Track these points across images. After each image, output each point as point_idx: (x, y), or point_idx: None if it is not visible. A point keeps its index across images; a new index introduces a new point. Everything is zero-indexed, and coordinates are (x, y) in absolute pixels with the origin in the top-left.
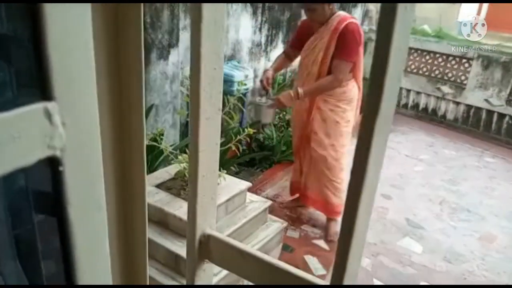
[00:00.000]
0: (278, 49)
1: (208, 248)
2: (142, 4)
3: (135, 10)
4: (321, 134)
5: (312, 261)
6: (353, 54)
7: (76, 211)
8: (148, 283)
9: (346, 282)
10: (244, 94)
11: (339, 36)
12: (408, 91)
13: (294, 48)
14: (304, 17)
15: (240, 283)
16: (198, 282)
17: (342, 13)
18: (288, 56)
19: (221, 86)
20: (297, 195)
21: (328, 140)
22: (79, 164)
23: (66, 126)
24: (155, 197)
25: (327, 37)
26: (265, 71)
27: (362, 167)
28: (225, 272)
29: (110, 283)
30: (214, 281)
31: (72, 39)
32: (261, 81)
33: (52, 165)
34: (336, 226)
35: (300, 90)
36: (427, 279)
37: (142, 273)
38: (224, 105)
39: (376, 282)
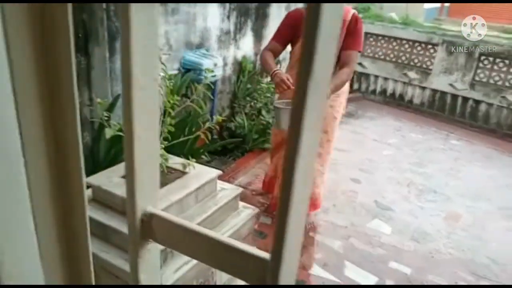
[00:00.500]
0: (247, 37)
1: (151, 228)
2: (70, 4)
3: (62, 9)
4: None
5: None
6: (362, 44)
7: None
8: (93, 283)
9: (286, 257)
10: (214, 83)
11: (349, 27)
12: (376, 77)
13: (282, 44)
14: (289, 7)
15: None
16: (142, 263)
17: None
18: (274, 53)
19: (157, 54)
20: (271, 193)
21: (326, 136)
22: None
23: None
24: (121, 188)
25: None
26: (275, 74)
27: (297, 132)
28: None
29: (35, 244)
30: (184, 270)
31: None
32: (278, 84)
33: None
34: (312, 217)
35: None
36: (396, 259)
37: (87, 273)
38: (192, 93)
39: (348, 264)
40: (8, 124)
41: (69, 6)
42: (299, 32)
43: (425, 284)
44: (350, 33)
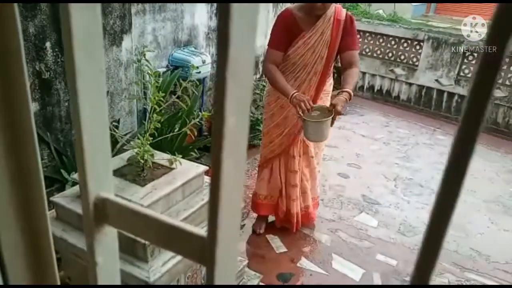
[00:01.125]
0: None
1: (105, 212)
2: (15, 4)
3: (8, 9)
4: None
5: (274, 240)
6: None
7: None
8: (58, 283)
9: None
10: (203, 79)
11: (345, 27)
12: (364, 73)
13: (283, 50)
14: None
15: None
16: (99, 246)
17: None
18: (277, 64)
19: (100, 44)
20: (267, 215)
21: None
22: None
23: None
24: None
25: (329, 31)
26: (293, 96)
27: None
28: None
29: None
30: (172, 263)
31: None
32: (297, 105)
33: None
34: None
35: (349, 91)
36: (382, 251)
37: (51, 272)
38: (177, 90)
39: (335, 257)
40: None
41: (15, 6)
42: (293, 35)
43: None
44: (348, 33)
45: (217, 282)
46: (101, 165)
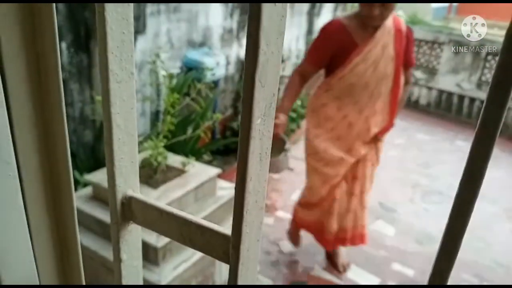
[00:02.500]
0: None
1: (131, 210)
2: (53, 4)
3: (48, 9)
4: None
5: (287, 247)
6: None
7: None
8: (84, 283)
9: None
10: (217, 81)
11: (408, 39)
12: None
13: (319, 67)
14: (321, 18)
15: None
16: (124, 243)
17: None
18: (304, 78)
19: (132, 50)
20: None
21: (376, 164)
22: None
23: None
24: None
25: (392, 44)
26: (279, 113)
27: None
28: (196, 257)
29: (29, 243)
30: (183, 268)
31: None
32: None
33: None
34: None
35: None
36: (399, 261)
37: (77, 272)
38: (193, 92)
39: (351, 266)
40: (1, 126)
41: (53, 6)
42: (345, 50)
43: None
44: (409, 46)
45: (240, 280)
46: (128, 166)
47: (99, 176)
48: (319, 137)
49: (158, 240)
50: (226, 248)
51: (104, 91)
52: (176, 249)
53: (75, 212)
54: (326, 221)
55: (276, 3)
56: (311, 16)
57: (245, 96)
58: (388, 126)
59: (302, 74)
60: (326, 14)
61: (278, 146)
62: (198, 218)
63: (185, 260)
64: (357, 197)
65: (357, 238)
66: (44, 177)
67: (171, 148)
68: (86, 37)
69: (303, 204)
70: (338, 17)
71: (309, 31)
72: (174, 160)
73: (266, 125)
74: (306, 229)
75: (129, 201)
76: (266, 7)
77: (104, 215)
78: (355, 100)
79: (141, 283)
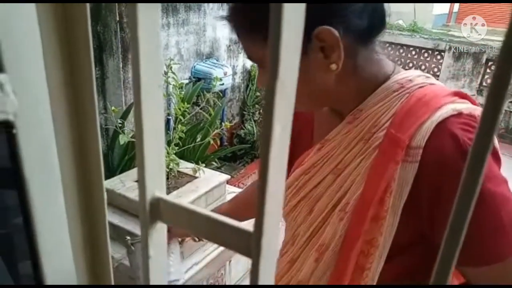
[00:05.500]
0: None
1: (159, 210)
2: (87, 4)
3: (81, 9)
4: None
5: None
6: None
7: (31, 168)
8: (113, 283)
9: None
10: (224, 90)
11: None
12: None
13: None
14: None
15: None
16: (152, 242)
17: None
18: None
19: (160, 64)
20: None
21: None
22: (31, 127)
23: (17, 95)
24: (135, 192)
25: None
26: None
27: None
28: (207, 260)
29: (68, 241)
30: (194, 270)
31: (17, 20)
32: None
33: (7, 129)
34: None
35: None
36: None
37: (106, 268)
38: (202, 101)
39: None
40: (48, 131)
41: (87, 6)
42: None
43: None
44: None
45: (262, 272)
46: (157, 169)
47: (114, 183)
48: None
49: (165, 249)
50: (247, 243)
51: (136, 98)
52: (187, 252)
53: (106, 213)
54: None
55: (296, 6)
56: None
57: (266, 103)
58: None
59: None
60: None
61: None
62: (220, 216)
63: (196, 263)
64: None
65: None
66: (78, 179)
67: (181, 155)
68: (99, 50)
69: None
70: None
71: None
72: (185, 166)
73: (284, 131)
74: None
75: (157, 202)
76: (285, 23)
77: (118, 221)
78: None
79: (166, 278)
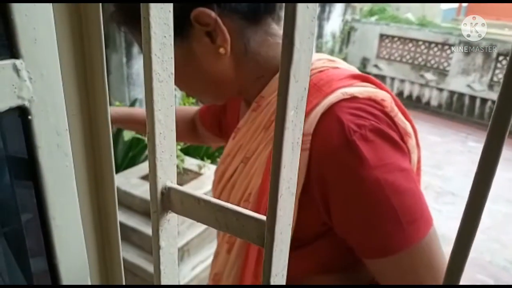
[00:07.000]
0: None
1: (170, 200)
2: (100, 4)
3: (94, 9)
4: None
5: None
6: None
7: (44, 154)
8: (124, 283)
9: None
10: None
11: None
12: (392, 79)
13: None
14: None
15: None
16: (163, 232)
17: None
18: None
19: (172, 52)
20: None
21: None
22: (46, 113)
23: (33, 81)
24: (139, 189)
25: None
26: None
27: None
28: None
29: (80, 224)
30: (201, 268)
31: (33, 8)
32: None
33: (22, 115)
34: None
35: None
36: None
37: (117, 265)
38: None
39: None
40: (62, 124)
41: (100, 7)
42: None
43: None
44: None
45: (275, 259)
46: (168, 159)
47: (118, 180)
48: None
49: (177, 242)
50: (260, 231)
51: (148, 90)
52: (193, 250)
53: (117, 209)
54: None
55: (308, 5)
56: (320, 21)
57: (280, 90)
58: None
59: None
60: (336, 18)
61: None
62: (230, 204)
63: (202, 261)
64: None
65: None
66: (89, 170)
67: (186, 151)
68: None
69: None
70: None
71: (319, 35)
72: (191, 163)
73: (298, 117)
74: None
75: (168, 192)
76: (300, 10)
77: (123, 218)
78: None
79: (177, 269)
